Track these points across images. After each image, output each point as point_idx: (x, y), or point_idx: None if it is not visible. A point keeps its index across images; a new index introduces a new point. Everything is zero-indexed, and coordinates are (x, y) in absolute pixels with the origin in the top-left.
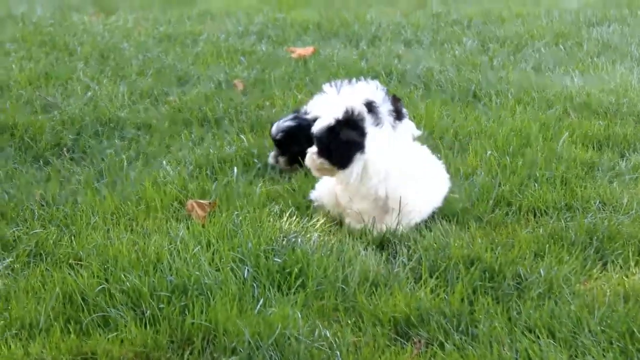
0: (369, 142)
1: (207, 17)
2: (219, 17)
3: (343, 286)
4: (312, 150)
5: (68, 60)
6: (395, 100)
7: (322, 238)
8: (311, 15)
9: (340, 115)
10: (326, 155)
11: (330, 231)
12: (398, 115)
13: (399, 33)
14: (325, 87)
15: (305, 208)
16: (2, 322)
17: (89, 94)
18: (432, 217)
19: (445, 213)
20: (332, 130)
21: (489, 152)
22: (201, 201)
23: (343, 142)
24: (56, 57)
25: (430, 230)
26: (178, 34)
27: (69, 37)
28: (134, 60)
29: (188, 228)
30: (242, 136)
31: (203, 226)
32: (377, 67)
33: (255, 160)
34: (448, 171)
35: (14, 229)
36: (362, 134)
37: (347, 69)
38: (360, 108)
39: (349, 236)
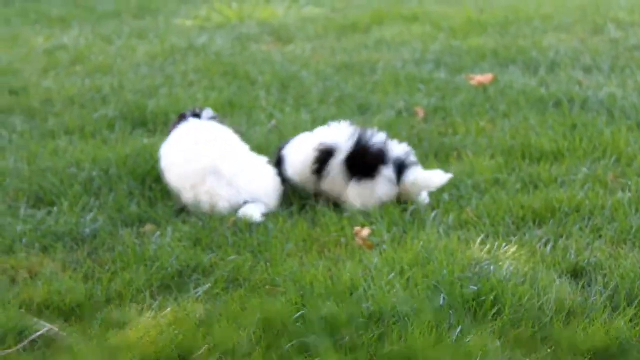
0: None
1: (383, 46)
2: (394, 45)
3: (539, 315)
4: None
5: (250, 89)
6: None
7: (514, 266)
8: (487, 42)
9: None
10: None
11: (522, 259)
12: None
13: (578, 59)
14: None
15: (495, 235)
16: (206, 346)
17: (273, 122)
18: (625, 244)
19: (638, 241)
20: None
21: None
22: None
23: None
24: (238, 86)
25: (626, 259)
26: (355, 63)
27: (250, 66)
28: (314, 88)
29: (381, 254)
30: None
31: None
32: (558, 94)
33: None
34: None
35: (210, 255)
36: None
37: (527, 95)
38: None
39: (543, 264)
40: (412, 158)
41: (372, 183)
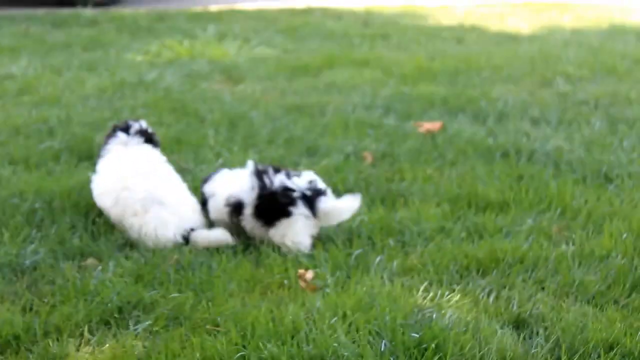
0: None
1: (333, 89)
2: (344, 89)
3: None
4: None
5: (199, 127)
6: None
7: (457, 314)
8: (437, 90)
9: None
10: None
11: (465, 308)
12: None
13: (526, 111)
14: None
15: (438, 283)
16: None
17: (221, 160)
18: (567, 297)
19: (580, 295)
20: None
21: (624, 235)
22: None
23: None
24: (187, 123)
25: (568, 312)
26: (305, 105)
27: (199, 104)
28: (263, 129)
29: (324, 297)
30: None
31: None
32: (506, 144)
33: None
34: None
35: (152, 292)
36: None
37: (475, 145)
38: None
39: (485, 313)
40: (319, 186)
41: (289, 223)
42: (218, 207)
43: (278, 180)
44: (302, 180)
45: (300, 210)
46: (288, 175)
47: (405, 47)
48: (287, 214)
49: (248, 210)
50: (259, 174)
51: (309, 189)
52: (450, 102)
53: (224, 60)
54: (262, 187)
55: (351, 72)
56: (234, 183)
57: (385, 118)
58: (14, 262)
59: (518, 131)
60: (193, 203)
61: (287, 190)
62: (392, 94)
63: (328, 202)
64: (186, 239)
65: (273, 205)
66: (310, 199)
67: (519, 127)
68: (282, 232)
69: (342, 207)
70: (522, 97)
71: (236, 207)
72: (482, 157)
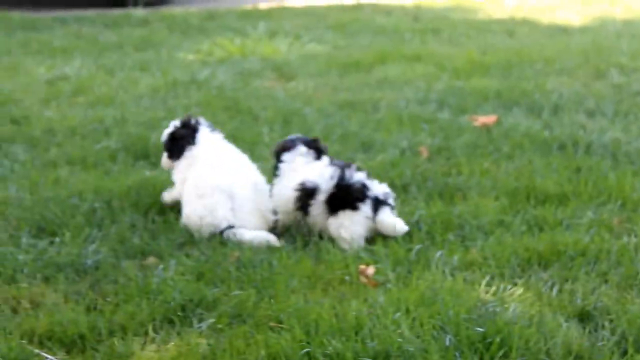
0: None
1: (386, 84)
2: (397, 84)
3: (546, 359)
4: None
5: (253, 125)
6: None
7: (520, 308)
8: (490, 84)
9: None
10: None
11: (528, 301)
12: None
13: (581, 103)
14: None
15: (500, 277)
16: None
17: None
18: (631, 289)
19: None
20: None
21: None
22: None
23: None
24: (241, 120)
25: (632, 304)
26: (358, 101)
27: (252, 101)
28: (317, 125)
29: (386, 293)
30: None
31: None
32: (562, 136)
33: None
34: None
35: (214, 290)
36: None
37: (531, 138)
38: None
39: (549, 307)
40: (390, 200)
41: (351, 215)
42: (284, 197)
43: (357, 177)
44: (379, 187)
45: (365, 209)
46: (368, 176)
47: (456, 41)
48: (354, 208)
49: (321, 197)
50: (342, 167)
51: (382, 195)
52: (504, 96)
53: (276, 57)
54: (342, 178)
55: (403, 67)
56: (311, 171)
57: (439, 112)
58: (76, 262)
59: (574, 123)
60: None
61: (363, 187)
62: (445, 88)
63: (388, 216)
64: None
65: (345, 196)
66: (378, 204)
67: (574, 120)
68: (341, 222)
69: (396, 225)
70: (576, 89)
71: (310, 193)
72: (538, 150)
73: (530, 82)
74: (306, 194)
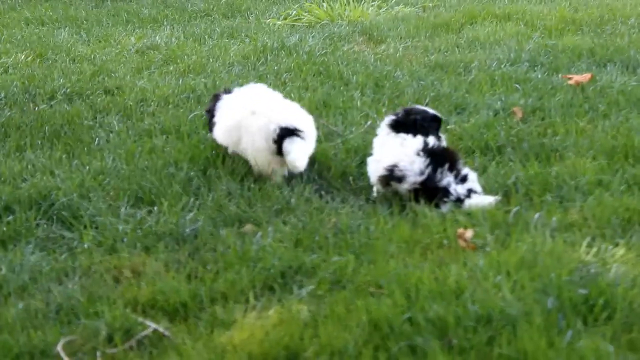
0: None
1: (476, 45)
2: (487, 44)
3: None
4: None
5: (344, 89)
6: None
7: (623, 269)
8: (583, 41)
9: None
10: None
11: (630, 262)
12: None
13: None
14: None
15: (601, 237)
16: (312, 347)
17: (369, 122)
18: None
19: None
20: None
21: None
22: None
23: None
24: (332, 85)
25: None
26: (449, 62)
27: (342, 66)
28: (409, 88)
29: (485, 256)
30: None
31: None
32: None
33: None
34: None
35: (312, 256)
36: None
37: (627, 95)
38: None
39: None
40: (475, 188)
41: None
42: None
43: (446, 181)
44: (461, 187)
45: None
46: (456, 178)
47: None
48: (437, 206)
49: (406, 185)
50: (435, 164)
51: (466, 190)
52: (597, 53)
53: (364, 21)
54: (430, 178)
55: (493, 27)
56: (405, 155)
57: (532, 72)
58: (175, 231)
59: None
60: None
61: (447, 193)
62: (537, 47)
63: (473, 199)
64: None
65: (428, 194)
66: (460, 200)
67: None
68: None
69: (483, 204)
70: None
71: (397, 179)
72: (635, 107)
73: (624, 38)
74: (393, 178)
